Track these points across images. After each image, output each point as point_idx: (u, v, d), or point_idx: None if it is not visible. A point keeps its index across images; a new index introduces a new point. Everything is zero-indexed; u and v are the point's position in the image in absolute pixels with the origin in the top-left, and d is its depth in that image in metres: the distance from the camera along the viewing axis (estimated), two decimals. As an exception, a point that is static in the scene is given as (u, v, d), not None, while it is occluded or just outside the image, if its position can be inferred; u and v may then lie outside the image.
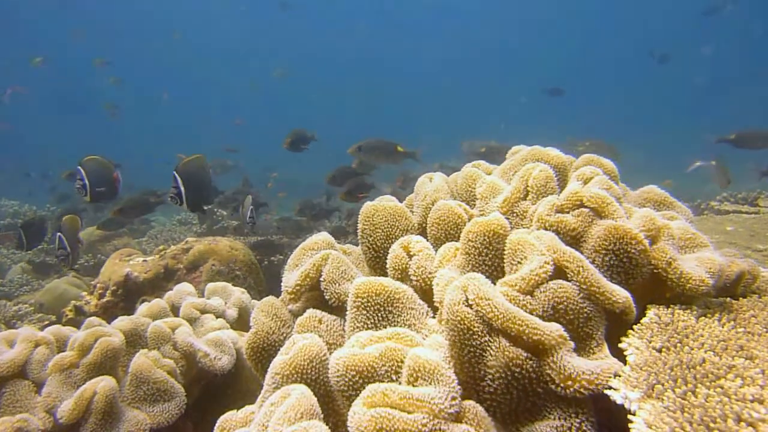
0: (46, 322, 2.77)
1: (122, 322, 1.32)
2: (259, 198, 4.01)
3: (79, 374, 1.19)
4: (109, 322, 2.16)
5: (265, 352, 0.90)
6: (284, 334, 0.91)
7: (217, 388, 1.40)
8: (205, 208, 2.41)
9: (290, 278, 0.95)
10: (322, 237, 0.99)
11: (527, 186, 0.90)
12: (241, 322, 1.55)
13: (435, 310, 0.77)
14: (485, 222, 0.77)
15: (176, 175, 2.03)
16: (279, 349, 0.90)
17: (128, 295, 2.13)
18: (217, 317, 1.47)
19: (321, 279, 0.89)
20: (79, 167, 2.09)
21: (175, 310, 1.48)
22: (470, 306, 0.65)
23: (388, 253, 0.91)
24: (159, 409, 1.19)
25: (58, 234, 2.28)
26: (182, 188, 2.03)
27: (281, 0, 16.86)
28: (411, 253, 0.84)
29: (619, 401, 0.59)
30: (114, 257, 2.30)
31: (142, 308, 1.44)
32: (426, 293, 0.80)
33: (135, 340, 1.32)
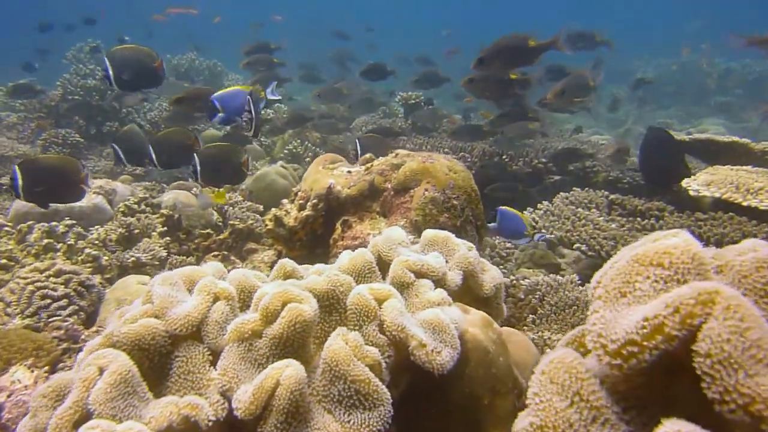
0: (258, 224, 2.71)
1: (317, 281, 0.99)
2: None
3: (262, 348, 0.91)
4: (308, 240, 1.95)
5: None
6: None
7: (426, 385, 1.05)
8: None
9: (623, 322, 0.48)
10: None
11: None
12: (462, 292, 1.15)
13: None
14: None
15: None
16: None
17: (329, 211, 1.87)
18: (436, 284, 1.08)
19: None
20: (105, 57, 2.05)
21: (382, 265, 1.12)
22: None
23: None
24: (356, 420, 0.86)
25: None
26: (254, 116, 2.00)
27: None
28: None
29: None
30: (317, 162, 2.05)
31: (344, 259, 1.11)
32: None
33: (332, 306, 1.00)
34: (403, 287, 1.06)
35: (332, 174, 1.92)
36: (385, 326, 0.95)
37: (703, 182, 1.86)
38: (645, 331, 0.43)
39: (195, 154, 2.01)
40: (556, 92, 2.96)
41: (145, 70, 1.96)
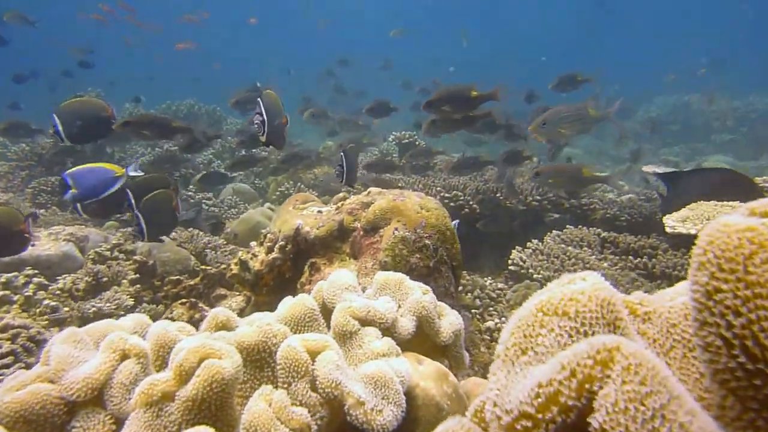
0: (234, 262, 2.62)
1: (246, 332, 0.88)
2: None
3: (174, 413, 0.79)
4: (276, 285, 1.85)
5: None
6: None
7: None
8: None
9: (518, 389, 0.37)
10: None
11: None
12: (419, 340, 1.04)
13: None
14: None
15: (260, 101, 1.89)
16: None
17: (298, 253, 1.77)
18: (383, 331, 0.97)
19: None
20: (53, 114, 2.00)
21: (326, 312, 1.02)
22: None
23: None
24: (275, 497, 0.74)
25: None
26: (265, 117, 1.89)
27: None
28: None
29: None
30: (288, 203, 1.96)
31: (284, 306, 1.00)
32: None
33: (263, 360, 0.89)
34: (345, 337, 0.95)
35: (302, 214, 1.83)
36: (318, 382, 0.83)
37: (679, 218, 1.75)
38: (539, 400, 0.33)
39: (137, 212, 1.91)
40: (537, 124, 2.92)
41: (94, 121, 1.94)
